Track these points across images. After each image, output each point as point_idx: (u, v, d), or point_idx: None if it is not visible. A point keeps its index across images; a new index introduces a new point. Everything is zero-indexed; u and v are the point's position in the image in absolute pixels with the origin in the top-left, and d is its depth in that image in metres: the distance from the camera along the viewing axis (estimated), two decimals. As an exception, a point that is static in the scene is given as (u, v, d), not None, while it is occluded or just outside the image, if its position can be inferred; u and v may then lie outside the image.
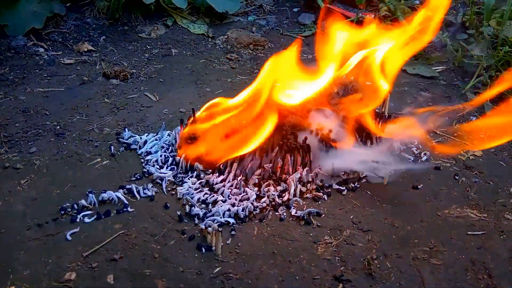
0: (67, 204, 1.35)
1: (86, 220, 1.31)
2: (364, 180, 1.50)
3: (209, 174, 1.46)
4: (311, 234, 1.31)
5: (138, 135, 1.64)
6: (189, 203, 1.37)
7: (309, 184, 1.45)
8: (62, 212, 1.32)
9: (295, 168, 1.46)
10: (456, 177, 1.54)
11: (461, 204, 1.43)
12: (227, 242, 1.27)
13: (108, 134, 1.67)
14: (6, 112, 1.76)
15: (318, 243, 1.28)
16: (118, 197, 1.37)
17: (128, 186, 1.42)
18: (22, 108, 1.78)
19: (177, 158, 1.50)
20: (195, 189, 1.42)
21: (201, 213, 1.34)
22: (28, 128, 1.67)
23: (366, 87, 1.56)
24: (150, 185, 1.43)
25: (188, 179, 1.45)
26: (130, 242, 1.25)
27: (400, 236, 1.32)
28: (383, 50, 1.56)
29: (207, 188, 1.42)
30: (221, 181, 1.43)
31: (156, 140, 1.60)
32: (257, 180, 1.43)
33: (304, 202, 1.41)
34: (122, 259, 1.20)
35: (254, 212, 1.36)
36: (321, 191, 1.45)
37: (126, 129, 1.68)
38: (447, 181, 1.53)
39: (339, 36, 1.62)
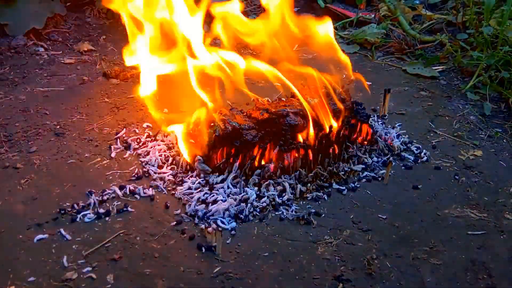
0: (67, 204, 1.35)
1: (86, 219, 1.31)
2: (364, 180, 1.50)
3: (209, 173, 1.46)
4: (311, 234, 1.31)
5: (138, 135, 1.64)
6: (189, 202, 1.37)
7: (309, 184, 1.45)
8: (62, 212, 1.32)
9: (294, 167, 1.46)
10: (456, 177, 1.54)
11: (461, 204, 1.43)
12: (227, 242, 1.27)
13: (108, 134, 1.67)
14: (6, 111, 1.76)
15: (318, 243, 1.28)
16: (118, 197, 1.37)
17: (128, 186, 1.42)
18: (22, 108, 1.78)
19: (177, 157, 1.50)
20: (195, 189, 1.42)
21: (201, 213, 1.34)
22: (28, 128, 1.67)
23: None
24: (150, 185, 1.43)
25: (188, 178, 1.45)
26: (130, 242, 1.25)
27: (400, 236, 1.32)
28: None
29: (207, 188, 1.42)
30: (221, 181, 1.43)
31: (156, 140, 1.60)
32: (257, 180, 1.43)
33: (304, 202, 1.41)
34: (122, 259, 1.20)
35: (254, 212, 1.36)
36: (321, 191, 1.45)
37: (125, 129, 1.67)
38: (447, 181, 1.53)
39: None
